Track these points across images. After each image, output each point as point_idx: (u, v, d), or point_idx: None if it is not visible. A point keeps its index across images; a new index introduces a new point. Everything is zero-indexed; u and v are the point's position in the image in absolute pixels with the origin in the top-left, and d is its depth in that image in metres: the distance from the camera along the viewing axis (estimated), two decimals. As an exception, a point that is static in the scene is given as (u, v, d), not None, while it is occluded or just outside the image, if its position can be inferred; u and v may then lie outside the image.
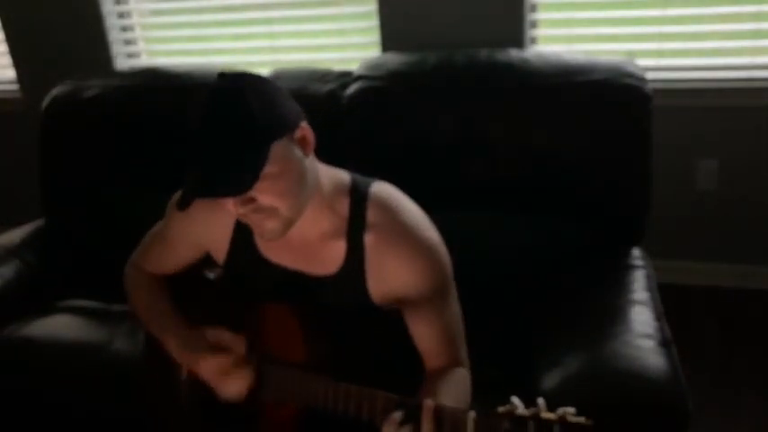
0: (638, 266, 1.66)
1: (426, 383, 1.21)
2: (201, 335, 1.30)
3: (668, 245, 2.49)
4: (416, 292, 1.22)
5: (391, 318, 1.29)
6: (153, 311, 1.41)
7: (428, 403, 1.00)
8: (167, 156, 1.99)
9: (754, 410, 2.07)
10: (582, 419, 0.85)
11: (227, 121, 1.05)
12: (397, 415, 1.02)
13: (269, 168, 1.06)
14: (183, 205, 1.08)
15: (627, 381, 1.29)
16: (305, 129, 1.14)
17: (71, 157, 2.19)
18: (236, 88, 1.07)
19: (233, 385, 1.26)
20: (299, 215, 1.15)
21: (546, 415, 0.87)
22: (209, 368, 1.26)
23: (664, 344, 1.37)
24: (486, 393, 1.18)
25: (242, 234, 1.30)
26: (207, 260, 1.42)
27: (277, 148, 1.08)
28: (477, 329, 1.32)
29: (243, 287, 1.35)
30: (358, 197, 1.23)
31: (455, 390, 1.18)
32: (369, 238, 1.21)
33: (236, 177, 1.04)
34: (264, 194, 1.09)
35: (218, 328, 1.29)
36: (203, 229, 1.34)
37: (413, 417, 1.01)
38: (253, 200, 1.09)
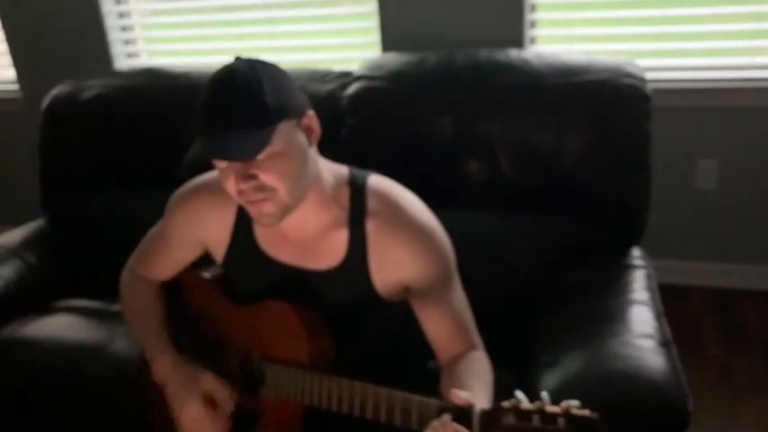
0: (638, 266, 1.66)
1: (449, 374, 1.20)
2: (197, 377, 1.30)
3: (668, 245, 2.49)
4: (421, 277, 1.23)
5: (395, 314, 1.29)
6: (149, 327, 1.40)
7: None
8: (167, 155, 1.98)
9: (754, 410, 2.08)
10: (586, 412, 0.85)
11: (240, 93, 1.08)
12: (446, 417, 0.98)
13: (274, 146, 1.08)
14: (188, 170, 1.16)
15: (627, 381, 1.28)
16: (311, 117, 1.17)
17: (71, 156, 2.19)
18: (250, 68, 1.10)
19: None
20: (297, 203, 1.16)
21: (550, 408, 0.87)
22: (190, 415, 1.28)
23: (664, 344, 1.37)
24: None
25: (242, 229, 1.30)
26: (203, 260, 1.42)
27: (284, 128, 1.10)
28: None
29: (242, 285, 1.35)
30: (357, 187, 1.25)
31: (478, 375, 1.17)
32: (370, 225, 1.22)
33: (246, 143, 1.06)
34: (266, 173, 1.10)
35: (216, 377, 1.30)
36: (204, 224, 1.34)
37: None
38: (254, 177, 1.11)
